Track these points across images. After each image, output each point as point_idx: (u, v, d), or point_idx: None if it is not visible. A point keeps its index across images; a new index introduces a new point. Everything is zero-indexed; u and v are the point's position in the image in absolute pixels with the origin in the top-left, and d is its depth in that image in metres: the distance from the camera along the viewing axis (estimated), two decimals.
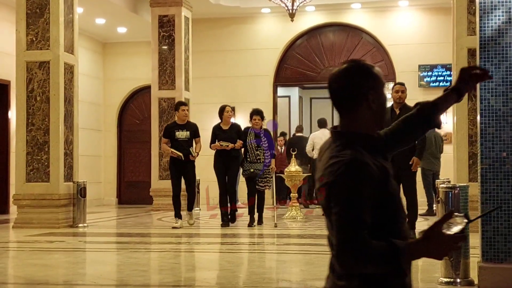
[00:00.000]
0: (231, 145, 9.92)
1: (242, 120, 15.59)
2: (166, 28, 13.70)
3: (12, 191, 10.86)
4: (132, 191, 16.51)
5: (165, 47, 13.71)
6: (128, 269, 6.15)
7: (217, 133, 10.10)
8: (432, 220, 10.94)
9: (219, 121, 10.19)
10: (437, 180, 9.77)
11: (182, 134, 9.90)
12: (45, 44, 9.98)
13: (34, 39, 10.00)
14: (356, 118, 2.04)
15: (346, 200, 1.90)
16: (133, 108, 16.75)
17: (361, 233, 1.88)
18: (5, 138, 13.10)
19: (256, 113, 10.29)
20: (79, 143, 10.55)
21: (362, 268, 1.88)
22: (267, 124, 10.41)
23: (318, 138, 13.19)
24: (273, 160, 10.24)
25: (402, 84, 8.38)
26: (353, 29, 15.65)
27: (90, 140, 15.86)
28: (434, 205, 11.38)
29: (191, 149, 9.87)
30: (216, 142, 9.98)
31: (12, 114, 12.69)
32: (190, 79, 14.04)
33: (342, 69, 2.07)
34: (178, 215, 9.83)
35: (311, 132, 15.35)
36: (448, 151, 12.98)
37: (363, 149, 1.99)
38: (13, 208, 11.43)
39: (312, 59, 15.93)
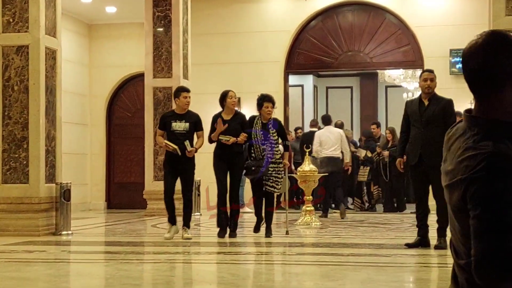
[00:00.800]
0: (232, 139, 9.27)
1: (248, 113, 15.56)
2: (161, 8, 13.69)
3: None
4: (123, 193, 16.54)
5: (161, 29, 13.70)
6: (118, 282, 6.14)
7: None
8: None
9: (221, 110, 9.61)
10: None
11: (180, 126, 9.29)
12: (23, 26, 9.97)
13: (10, 20, 10.00)
14: (498, 102, 1.91)
15: (489, 202, 1.80)
16: (124, 99, 16.77)
17: (509, 242, 1.78)
18: None
19: (267, 99, 9.56)
20: (62, 139, 10.55)
21: (508, 285, 1.81)
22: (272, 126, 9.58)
23: (325, 136, 13.13)
24: (286, 154, 9.63)
25: (431, 72, 8.33)
26: (375, 8, 15.60)
27: (74, 136, 15.87)
28: None
29: (186, 143, 9.17)
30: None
31: None
32: (189, 65, 14.03)
33: (480, 43, 1.94)
34: (172, 220, 9.25)
35: (335, 126, 15.39)
36: None
37: (508, 140, 1.88)
38: None
39: (329, 43, 15.89)
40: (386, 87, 22.16)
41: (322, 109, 22.28)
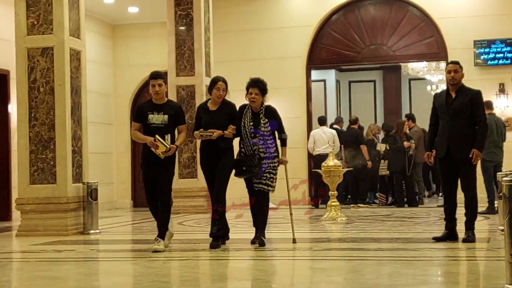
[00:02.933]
0: (216, 133, 8.01)
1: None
2: (183, 6, 13.73)
3: (15, 194, 10.99)
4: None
5: (183, 27, 13.74)
6: (146, 280, 6.18)
7: (201, 116, 8.26)
8: (494, 218, 10.84)
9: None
10: (498, 173, 9.66)
11: (157, 118, 8.07)
12: (47, 28, 10.05)
13: (35, 22, 10.07)
14: None
15: None
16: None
17: None
18: (5, 135, 13.25)
19: (253, 85, 8.33)
20: (88, 139, 10.62)
21: None
22: (269, 124, 8.30)
23: (318, 135, 14.52)
24: (283, 149, 8.39)
25: (455, 63, 8.28)
26: (397, 1, 15.54)
27: (100, 136, 15.96)
28: (496, 202, 11.26)
29: (166, 137, 7.98)
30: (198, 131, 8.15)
31: (12, 107, 12.82)
32: (211, 63, 14.05)
33: None
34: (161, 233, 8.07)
35: (350, 122, 15.45)
36: (511, 139, 12.84)
37: None
38: (16, 214, 11.56)
39: (351, 37, 15.85)
40: (410, 80, 22.06)
41: (345, 104, 22.23)
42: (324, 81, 20.57)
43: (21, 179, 10.07)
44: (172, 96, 13.70)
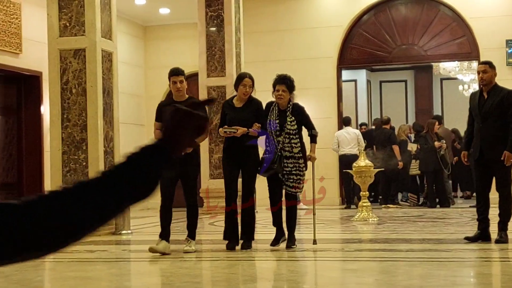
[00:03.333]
0: (241, 130, 7.75)
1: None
2: (214, 7, 13.76)
3: None
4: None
5: (213, 28, 13.77)
6: (178, 280, 6.20)
7: (226, 112, 8.09)
8: None
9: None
10: None
11: None
12: (79, 29, 10.13)
13: (67, 24, 10.16)
14: None
15: None
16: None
17: None
18: (38, 136, 13.37)
19: (280, 81, 8.11)
20: (120, 140, 10.69)
21: None
22: (267, 125, 8.01)
23: (342, 135, 14.64)
24: (313, 146, 8.04)
25: (485, 63, 8.22)
26: (428, 0, 15.44)
27: (131, 136, 16.06)
28: None
29: None
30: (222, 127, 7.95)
31: (45, 109, 12.95)
32: (242, 64, 14.07)
33: None
34: (164, 235, 7.82)
35: (382, 122, 15.45)
36: None
37: None
38: None
39: (382, 37, 15.78)
40: (441, 79, 21.90)
41: (376, 104, 22.14)
42: (355, 81, 20.50)
43: (54, 180, 10.15)
44: (203, 97, 13.73)
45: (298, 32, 15.88)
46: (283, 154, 7.84)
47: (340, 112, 15.95)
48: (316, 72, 15.69)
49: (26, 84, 13.38)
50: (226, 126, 7.86)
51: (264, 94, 13.76)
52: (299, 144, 7.92)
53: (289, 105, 8.02)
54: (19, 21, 12.82)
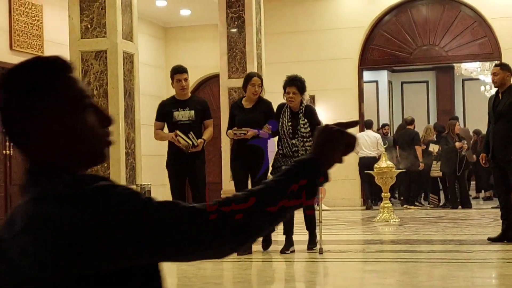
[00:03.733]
0: (251, 132, 7.49)
1: (322, 112, 15.54)
2: (235, 8, 13.78)
3: None
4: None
5: (234, 29, 13.79)
6: (200, 282, 6.21)
7: (235, 114, 7.84)
8: None
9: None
10: None
11: (183, 115, 7.75)
12: (101, 31, 10.18)
13: (88, 26, 10.21)
14: None
15: None
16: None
17: None
18: None
19: (290, 83, 7.80)
20: (141, 141, 10.72)
21: None
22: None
23: (362, 138, 14.73)
24: None
25: (496, 65, 8.32)
26: (449, 1, 15.36)
27: (152, 138, 16.09)
28: None
29: (191, 135, 7.57)
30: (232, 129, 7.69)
31: None
32: (263, 65, 14.07)
33: None
34: None
35: (406, 123, 15.44)
36: None
37: None
38: None
39: (403, 37, 15.72)
40: (463, 80, 21.79)
41: (397, 105, 22.06)
42: (376, 82, 20.46)
43: None
44: (224, 99, 13.75)
45: (319, 33, 15.86)
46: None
47: (361, 113, 15.91)
48: (337, 73, 15.66)
49: None
50: (235, 128, 7.59)
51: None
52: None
53: (301, 107, 7.77)
54: (40, 23, 12.92)
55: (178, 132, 7.44)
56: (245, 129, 7.51)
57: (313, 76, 15.76)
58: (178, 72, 7.75)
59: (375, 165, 11.96)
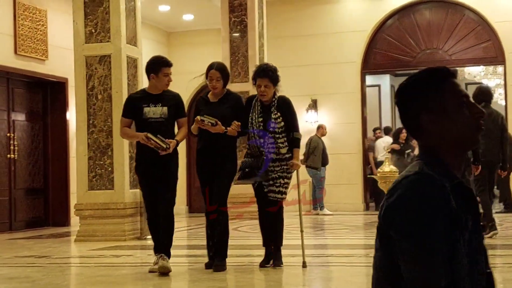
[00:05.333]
0: (218, 127, 6.65)
1: (325, 116, 15.55)
2: (237, 13, 13.81)
3: (73, 200, 11.18)
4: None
5: (237, 34, 13.81)
6: (204, 285, 6.22)
7: (200, 108, 6.93)
8: None
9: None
10: None
11: (155, 111, 6.78)
12: (105, 36, 10.21)
13: (93, 30, 10.24)
14: None
15: None
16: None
17: None
18: (64, 141, 13.48)
19: (262, 74, 6.89)
20: None
21: None
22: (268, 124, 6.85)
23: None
24: (295, 151, 6.85)
25: None
26: (453, 4, 15.37)
27: None
28: None
29: (159, 138, 6.59)
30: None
31: (70, 115, 13.05)
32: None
33: None
34: (159, 249, 6.88)
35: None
36: None
37: None
38: (74, 220, 11.75)
39: (406, 41, 15.73)
40: (466, 84, 21.76)
41: None
42: (379, 86, 20.45)
43: (80, 185, 10.23)
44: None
45: (322, 37, 15.88)
46: (268, 158, 6.72)
47: (364, 117, 15.92)
48: (340, 77, 15.68)
49: (52, 90, 13.51)
50: (205, 115, 6.70)
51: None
52: (286, 143, 6.78)
53: (273, 99, 6.86)
54: (45, 27, 12.95)
55: (149, 134, 6.51)
56: (215, 119, 6.64)
57: (315, 80, 15.79)
58: (167, 65, 6.83)
59: (378, 169, 11.98)
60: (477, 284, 1.88)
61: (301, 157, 14.69)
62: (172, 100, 6.81)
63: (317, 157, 14.57)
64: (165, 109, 6.72)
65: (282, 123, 6.77)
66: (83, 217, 10.19)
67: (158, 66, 6.80)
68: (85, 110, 10.20)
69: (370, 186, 15.24)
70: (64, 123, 13.51)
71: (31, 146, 13.20)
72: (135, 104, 6.80)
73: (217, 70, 6.95)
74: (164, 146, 6.55)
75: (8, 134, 12.59)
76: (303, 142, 14.88)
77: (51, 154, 13.48)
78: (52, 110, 13.55)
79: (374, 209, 15.17)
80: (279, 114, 6.78)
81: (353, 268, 7.37)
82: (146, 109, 6.71)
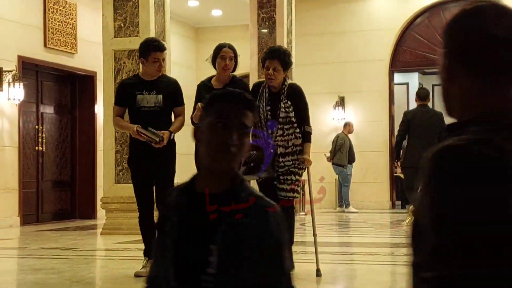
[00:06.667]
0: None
1: (352, 114, 15.50)
2: (266, 9, 13.79)
3: (100, 193, 11.25)
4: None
5: (265, 30, 13.80)
6: None
7: (203, 95, 6.12)
8: None
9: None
10: None
11: (149, 100, 6.19)
12: (134, 30, 10.25)
13: (122, 25, 10.29)
14: None
15: None
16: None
17: None
18: (91, 135, 13.58)
19: (272, 55, 6.16)
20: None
21: None
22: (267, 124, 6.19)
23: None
24: (306, 145, 6.18)
25: None
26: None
27: (182, 136, 16.14)
28: None
29: (150, 130, 6.05)
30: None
31: (98, 108, 13.13)
32: (293, 66, 14.06)
33: None
34: (149, 251, 6.23)
35: None
36: None
37: None
38: (101, 213, 11.83)
39: (435, 39, 15.63)
40: None
41: None
42: (407, 84, 20.33)
43: (106, 179, 10.29)
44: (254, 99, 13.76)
45: (350, 34, 15.83)
46: (277, 151, 6.09)
47: (391, 116, 15.85)
48: (368, 75, 15.61)
49: (81, 84, 13.60)
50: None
51: (315, 97, 13.78)
52: (297, 136, 6.14)
53: (283, 86, 6.18)
54: (74, 21, 13.04)
55: (139, 128, 5.95)
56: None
57: (343, 77, 15.74)
58: (158, 49, 6.15)
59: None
60: None
61: (328, 154, 14.66)
62: (169, 87, 6.28)
63: (344, 154, 14.53)
64: (160, 97, 6.17)
65: (293, 113, 6.10)
66: (109, 210, 10.25)
67: (147, 50, 6.16)
68: (112, 104, 10.21)
69: (397, 185, 15.18)
70: (92, 117, 13.60)
71: (59, 139, 13.30)
72: (128, 91, 6.19)
73: (230, 49, 6.45)
74: (157, 139, 6.05)
75: (37, 127, 12.70)
76: (330, 139, 14.91)
77: (78, 147, 13.58)
78: (80, 104, 13.65)
79: (400, 208, 15.12)
80: (289, 103, 6.11)
81: (377, 267, 7.35)
82: (139, 97, 6.12)
